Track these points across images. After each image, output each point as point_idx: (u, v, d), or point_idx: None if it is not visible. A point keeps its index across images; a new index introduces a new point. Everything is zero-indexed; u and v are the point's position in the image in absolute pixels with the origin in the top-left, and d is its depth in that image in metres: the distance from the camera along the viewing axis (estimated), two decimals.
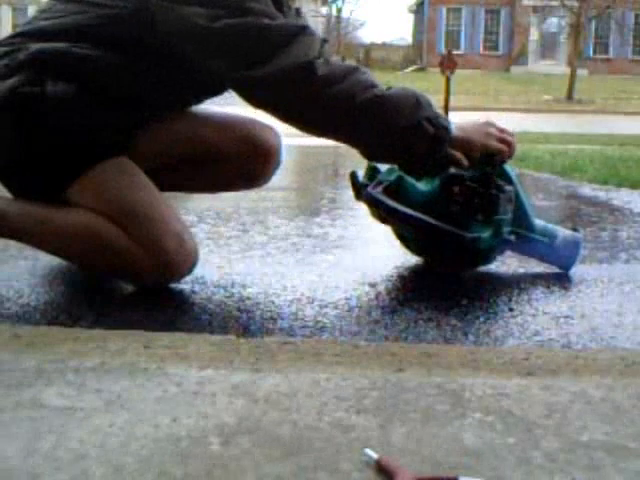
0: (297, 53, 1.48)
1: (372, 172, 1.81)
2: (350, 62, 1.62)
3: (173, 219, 1.57)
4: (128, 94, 1.56)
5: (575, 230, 1.91)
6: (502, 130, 1.72)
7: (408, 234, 1.84)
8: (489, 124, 1.71)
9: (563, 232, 1.86)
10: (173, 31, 1.49)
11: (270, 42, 1.48)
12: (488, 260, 1.82)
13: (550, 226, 1.87)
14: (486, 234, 1.69)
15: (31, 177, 1.56)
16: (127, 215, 1.53)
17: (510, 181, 1.77)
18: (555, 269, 1.87)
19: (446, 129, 1.59)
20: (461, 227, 1.68)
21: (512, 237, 1.76)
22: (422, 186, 1.76)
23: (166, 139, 1.70)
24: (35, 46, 1.52)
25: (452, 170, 1.74)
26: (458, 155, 1.79)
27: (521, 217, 1.79)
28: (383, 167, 1.82)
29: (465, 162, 1.75)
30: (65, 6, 1.56)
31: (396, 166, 1.85)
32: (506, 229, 1.74)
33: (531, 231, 1.81)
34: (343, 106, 1.53)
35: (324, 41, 1.85)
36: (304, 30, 1.52)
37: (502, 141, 1.70)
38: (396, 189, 1.72)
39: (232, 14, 1.46)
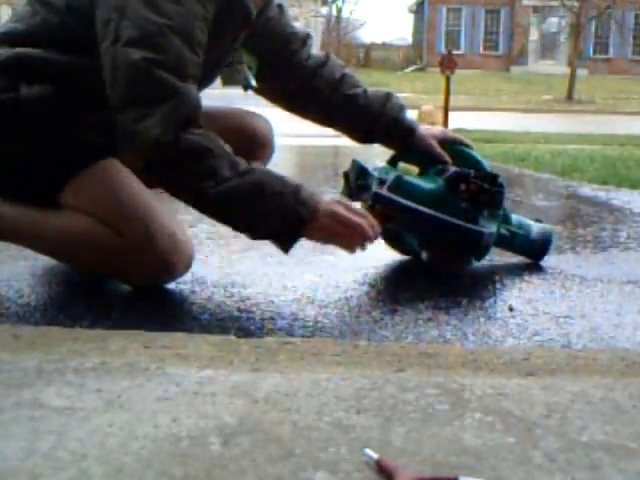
0: (154, 123, 1.39)
1: (360, 171, 1.82)
2: (210, 139, 1.48)
3: (166, 219, 1.56)
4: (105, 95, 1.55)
5: (539, 221, 1.98)
6: (346, 222, 1.52)
7: (410, 232, 1.84)
8: (344, 216, 1.51)
9: (535, 225, 1.94)
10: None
11: (140, 95, 1.41)
12: (486, 255, 1.84)
13: (524, 220, 1.94)
14: (494, 229, 1.76)
15: (23, 182, 1.56)
16: (119, 216, 1.52)
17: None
18: (555, 269, 1.87)
19: (300, 214, 1.47)
20: (471, 224, 1.72)
21: (506, 232, 1.84)
22: (424, 184, 1.78)
23: None
24: (7, 51, 1.51)
25: (455, 168, 1.77)
26: (442, 151, 1.84)
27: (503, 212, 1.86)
28: (369, 165, 1.83)
29: (448, 158, 1.83)
30: (33, 9, 1.54)
31: (390, 165, 1.87)
32: (501, 224, 1.82)
33: (510, 224, 1.88)
34: (182, 192, 1.48)
35: (308, 37, 1.85)
36: (179, 99, 1.42)
37: (347, 225, 1.52)
38: (396, 187, 1.73)
39: (130, 43, 1.39)
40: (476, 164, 1.84)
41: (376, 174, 1.79)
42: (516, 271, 1.87)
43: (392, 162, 1.91)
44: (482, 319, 1.48)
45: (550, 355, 1.21)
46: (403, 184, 1.75)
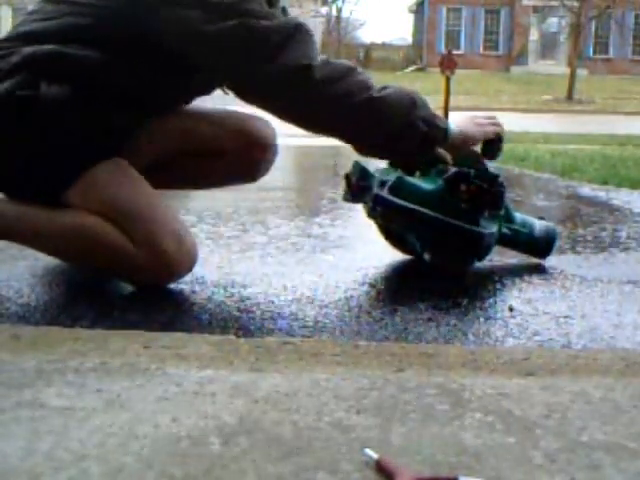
0: (295, 54, 1.52)
1: (361, 173, 1.81)
2: (349, 62, 1.66)
3: (171, 219, 1.57)
4: (123, 94, 1.56)
5: (542, 219, 1.98)
6: (488, 117, 1.85)
7: (412, 233, 1.84)
8: (475, 116, 1.82)
9: (539, 223, 1.94)
10: (167, 33, 1.51)
11: (267, 44, 1.51)
12: (488, 255, 1.84)
13: (528, 218, 1.95)
14: (495, 229, 1.76)
15: (30, 180, 1.56)
16: (125, 216, 1.53)
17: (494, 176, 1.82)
18: (555, 269, 1.87)
19: (441, 128, 1.68)
20: (471, 224, 1.71)
21: (508, 231, 1.84)
22: (424, 185, 1.77)
23: (164, 136, 1.70)
24: (28, 49, 1.51)
25: (455, 168, 1.77)
26: (443, 153, 1.84)
27: (505, 210, 1.85)
28: (371, 167, 1.83)
29: (449, 159, 1.82)
30: (55, 7, 1.56)
31: (390, 166, 1.87)
32: (502, 223, 1.82)
33: (513, 223, 1.88)
34: (338, 108, 1.59)
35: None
36: (300, 28, 1.55)
37: (493, 125, 1.83)
38: (397, 189, 1.73)
39: (226, 17, 1.48)
40: (478, 164, 1.84)
41: (377, 175, 1.79)
42: (516, 271, 1.87)
43: (391, 164, 1.91)
44: (482, 319, 1.48)
45: (550, 355, 1.21)
46: (404, 185, 1.75)
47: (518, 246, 1.93)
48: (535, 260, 1.93)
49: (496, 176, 1.77)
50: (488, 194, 1.73)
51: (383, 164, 1.88)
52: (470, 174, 1.74)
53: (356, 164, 1.83)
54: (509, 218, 1.87)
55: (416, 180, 1.80)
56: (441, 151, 1.86)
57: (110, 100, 1.54)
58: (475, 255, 1.81)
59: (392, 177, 1.76)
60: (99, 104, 1.53)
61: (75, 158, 1.53)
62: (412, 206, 1.70)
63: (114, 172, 1.56)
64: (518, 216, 1.92)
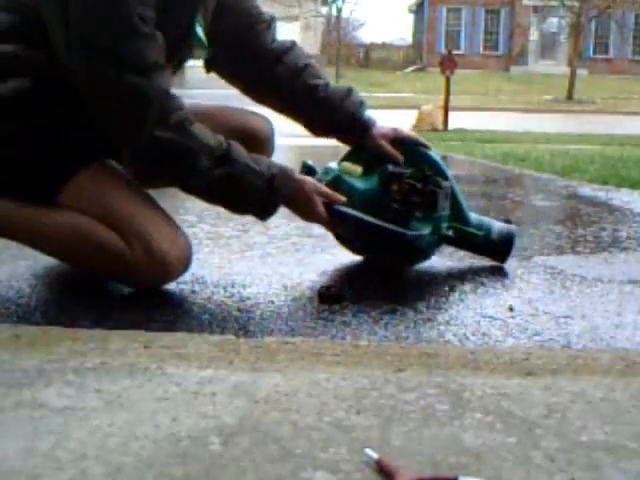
0: (132, 122, 1.46)
1: (307, 172, 1.79)
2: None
3: (163, 219, 1.57)
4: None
5: (508, 222, 1.93)
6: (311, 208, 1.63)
7: (347, 234, 1.82)
8: (318, 189, 1.63)
9: (498, 225, 1.89)
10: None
11: (110, 100, 1.46)
12: (427, 256, 1.82)
13: (485, 219, 1.89)
14: (426, 231, 1.70)
15: (21, 182, 1.56)
16: (117, 217, 1.52)
17: (446, 177, 1.78)
18: (555, 269, 1.87)
19: (270, 199, 1.58)
20: (401, 225, 1.68)
21: (450, 232, 1.78)
22: (360, 185, 1.74)
23: None
24: None
25: (391, 168, 1.73)
26: (392, 150, 1.79)
27: (457, 212, 1.81)
28: (318, 166, 1.81)
29: (400, 157, 1.78)
30: (7, 3, 1.54)
31: (333, 165, 1.82)
32: (444, 225, 1.76)
33: (467, 225, 1.83)
34: (170, 181, 1.60)
35: (273, 19, 1.81)
36: (146, 95, 1.45)
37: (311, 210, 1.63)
38: (334, 189, 1.69)
39: (85, 47, 1.41)
40: (432, 164, 1.78)
41: (318, 174, 1.77)
42: (516, 271, 1.87)
43: (341, 161, 1.85)
44: (482, 319, 1.48)
45: (550, 355, 1.21)
46: (340, 185, 1.72)
47: (474, 249, 1.89)
48: (535, 260, 1.93)
49: (430, 175, 1.71)
50: (419, 194, 1.69)
51: (333, 164, 1.83)
52: (404, 173, 1.70)
53: (303, 164, 1.81)
54: (463, 220, 1.82)
55: (353, 179, 1.76)
56: (390, 150, 1.81)
57: (75, 99, 1.51)
58: (406, 257, 1.77)
59: (330, 176, 1.74)
60: (64, 102, 1.51)
61: (64, 160, 1.53)
62: (338, 207, 1.65)
63: (104, 174, 1.56)
64: (474, 217, 1.86)
